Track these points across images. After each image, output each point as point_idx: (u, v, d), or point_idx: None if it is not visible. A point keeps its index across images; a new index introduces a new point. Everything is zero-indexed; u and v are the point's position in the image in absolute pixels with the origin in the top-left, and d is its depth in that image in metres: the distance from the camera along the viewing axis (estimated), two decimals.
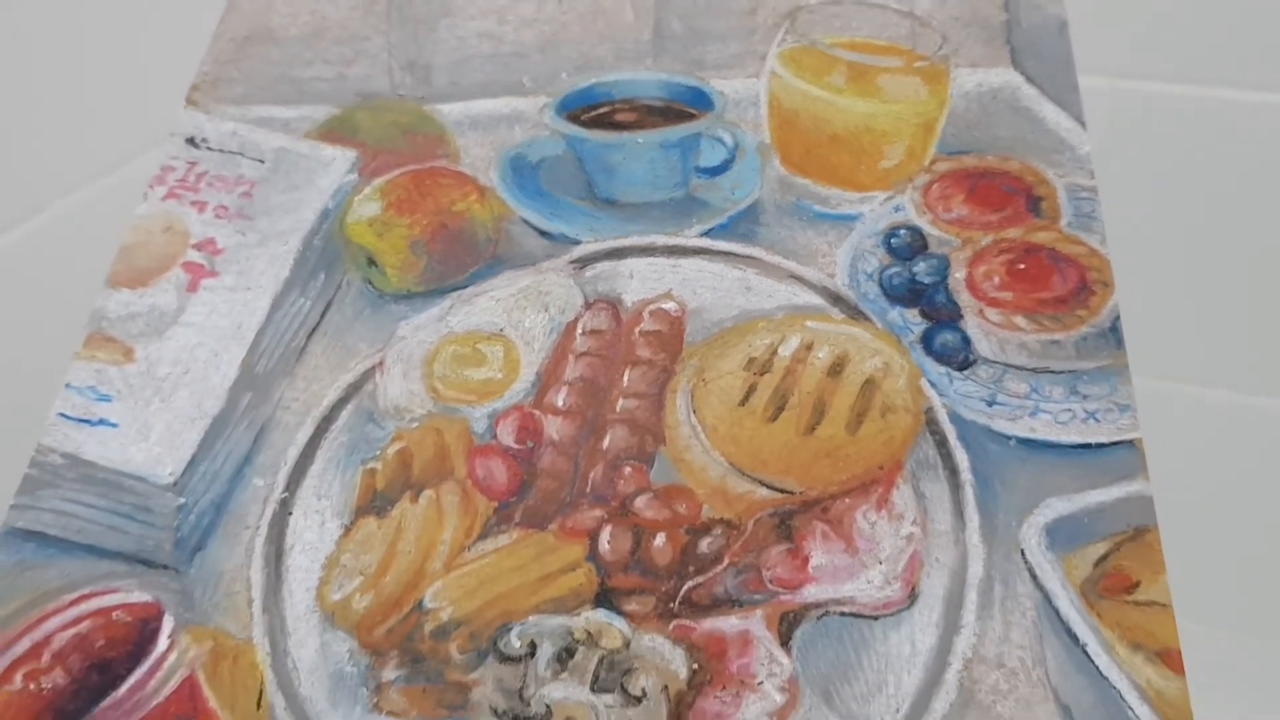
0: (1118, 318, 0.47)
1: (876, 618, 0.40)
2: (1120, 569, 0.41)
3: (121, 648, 0.39)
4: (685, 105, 0.55)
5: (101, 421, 0.44)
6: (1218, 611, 0.82)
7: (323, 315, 0.49)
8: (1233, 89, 0.72)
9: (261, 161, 0.53)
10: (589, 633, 0.40)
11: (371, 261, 0.50)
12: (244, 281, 0.49)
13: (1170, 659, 0.39)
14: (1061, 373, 0.46)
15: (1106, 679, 0.39)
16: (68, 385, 0.45)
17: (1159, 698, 0.38)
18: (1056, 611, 0.40)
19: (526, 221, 0.52)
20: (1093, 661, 0.39)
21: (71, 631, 0.39)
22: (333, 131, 0.55)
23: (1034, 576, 0.41)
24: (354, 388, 0.46)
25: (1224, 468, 0.83)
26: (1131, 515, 0.42)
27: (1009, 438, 0.44)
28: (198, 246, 0.50)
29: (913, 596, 0.41)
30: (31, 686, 0.38)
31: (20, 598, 0.40)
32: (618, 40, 0.58)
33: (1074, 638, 0.39)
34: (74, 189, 0.64)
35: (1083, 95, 0.54)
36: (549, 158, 0.54)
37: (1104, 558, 0.42)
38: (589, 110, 0.55)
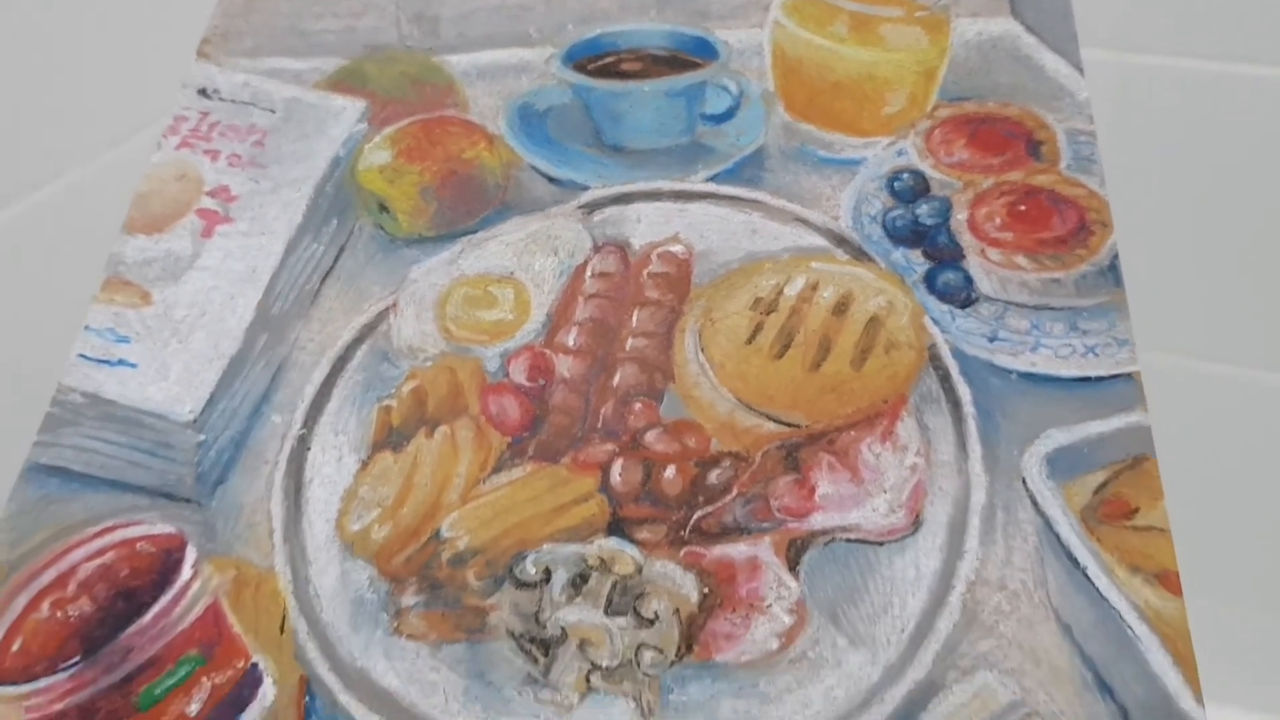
0: (1116, 256, 0.48)
1: (882, 543, 0.41)
2: (1119, 496, 0.42)
3: (146, 577, 0.40)
4: (690, 55, 0.56)
5: (121, 362, 0.45)
6: (1226, 587, 0.82)
7: (336, 259, 0.49)
8: (1238, 63, 0.72)
9: (273, 111, 0.53)
10: (602, 559, 0.40)
11: (383, 207, 0.51)
12: (258, 227, 0.49)
13: (1168, 581, 0.40)
14: (1061, 309, 0.47)
15: (1106, 600, 0.39)
16: (86, 327, 0.46)
17: (1157, 617, 0.39)
18: (1057, 536, 0.41)
19: (535, 168, 0.52)
20: (1093, 583, 0.40)
21: (96, 562, 0.40)
22: (342, 82, 0.55)
23: (1035, 504, 0.42)
24: (368, 328, 0.47)
25: (1231, 443, 0.84)
26: (1130, 445, 0.43)
27: (1010, 372, 0.45)
28: (211, 193, 0.50)
29: (917, 523, 0.42)
30: (59, 614, 0.39)
31: (45, 531, 0.41)
32: None
33: (1074, 561, 0.40)
34: (90, 151, 0.65)
35: (1087, 69, 0.55)
36: (556, 106, 0.55)
37: (1103, 485, 0.42)
38: (595, 60, 0.56)
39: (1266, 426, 0.83)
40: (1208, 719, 0.36)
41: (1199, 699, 0.37)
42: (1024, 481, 0.42)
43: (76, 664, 0.38)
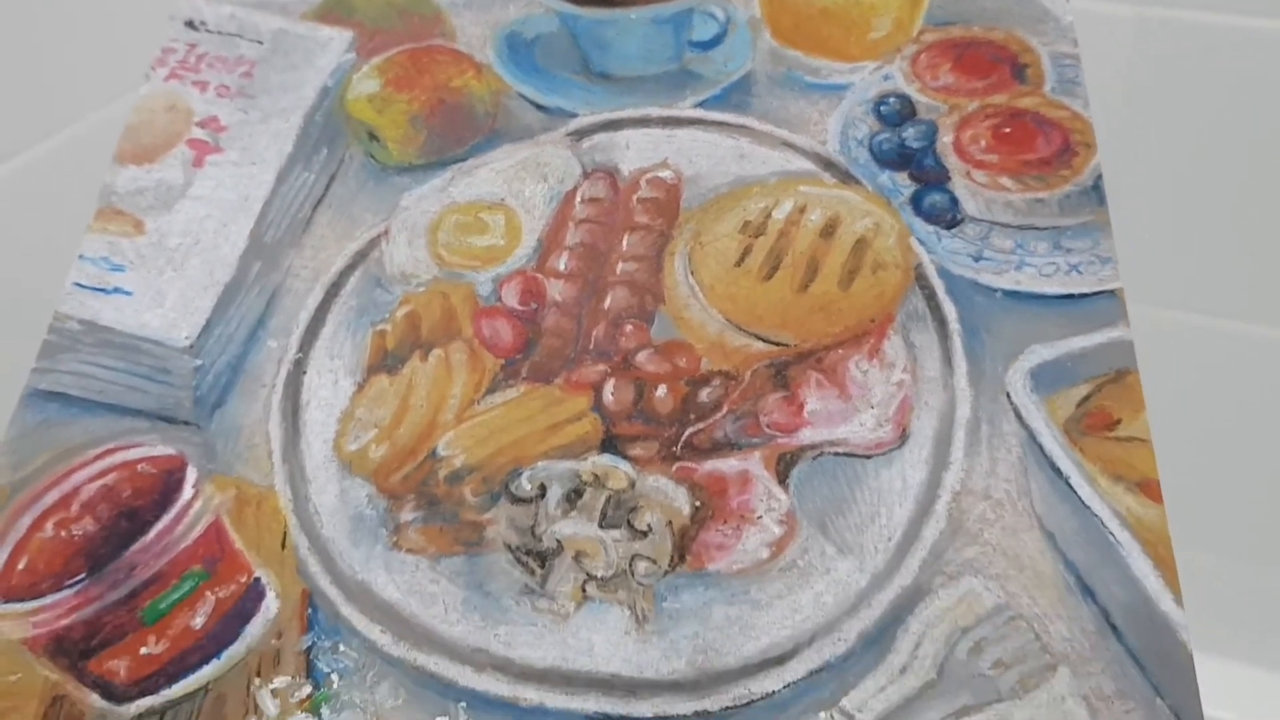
0: (1100, 177, 0.49)
1: (869, 457, 0.42)
2: (1102, 408, 0.43)
3: (148, 497, 0.40)
4: None
5: (116, 290, 0.45)
6: (1217, 539, 0.82)
7: (327, 188, 0.50)
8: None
9: (260, 43, 0.53)
10: (596, 475, 0.41)
11: (373, 136, 0.51)
12: (248, 157, 0.49)
13: (1149, 489, 0.41)
14: (1046, 229, 0.47)
15: (1088, 508, 0.40)
16: (81, 256, 0.46)
17: (1139, 524, 0.40)
18: (1041, 448, 0.42)
19: (523, 96, 0.52)
20: (1075, 492, 0.41)
21: (98, 483, 0.41)
22: (329, 13, 0.55)
23: (1019, 416, 0.43)
24: (360, 255, 0.47)
25: (1221, 396, 0.84)
26: (1112, 359, 0.44)
27: (995, 290, 0.46)
28: (201, 124, 0.50)
29: (903, 437, 0.42)
30: (63, 534, 0.39)
31: (46, 454, 0.42)
32: None
33: (1057, 471, 0.41)
34: (83, 90, 0.64)
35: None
36: (544, 35, 0.55)
37: (1086, 398, 0.43)
38: None
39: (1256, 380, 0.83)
40: (1196, 669, 0.36)
41: (1178, 601, 0.38)
42: (1008, 395, 0.43)
43: (82, 581, 0.38)
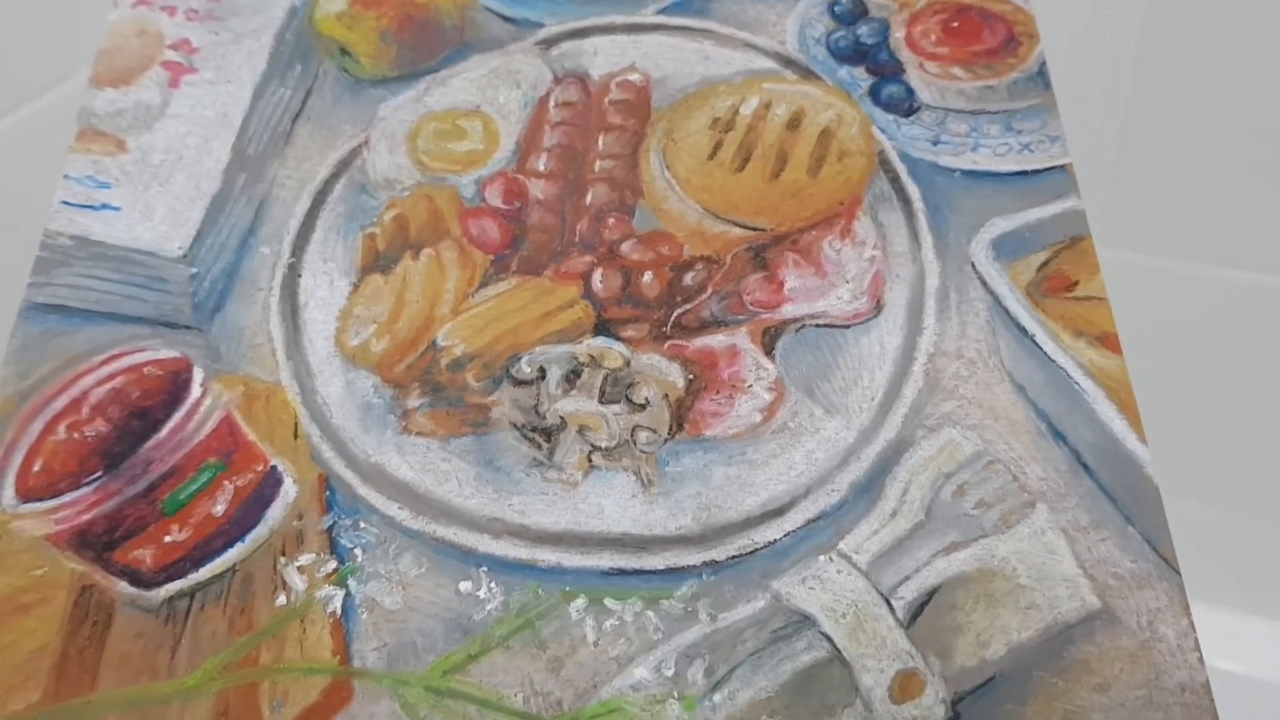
0: (1044, 63, 0.51)
1: (848, 327, 0.44)
2: (1060, 272, 0.45)
3: (157, 397, 0.41)
4: None
5: (104, 206, 0.45)
6: (1200, 488, 0.84)
7: (304, 102, 0.50)
8: None
9: None
10: (592, 356, 0.42)
11: (344, 51, 0.51)
12: (223, 75, 0.49)
13: (1108, 341, 0.43)
14: (997, 113, 0.49)
15: (1054, 361, 0.43)
16: (66, 176, 0.46)
17: (1100, 372, 0.42)
18: (1006, 310, 0.44)
19: (489, 9, 0.53)
20: (1041, 348, 0.43)
21: (106, 387, 0.41)
22: None
23: (984, 283, 0.45)
24: (343, 164, 0.48)
25: (1198, 342, 0.85)
26: (1067, 227, 0.46)
27: (954, 171, 0.48)
28: (173, 46, 0.50)
29: (878, 307, 0.44)
30: (76, 435, 0.40)
31: (52, 362, 0.42)
32: None
33: (1023, 330, 0.43)
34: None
35: None
36: None
37: (1045, 263, 0.45)
38: None
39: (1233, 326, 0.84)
40: (1193, 616, 0.38)
41: (1142, 440, 0.41)
42: (973, 265, 0.45)
43: (99, 478, 0.39)
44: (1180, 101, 0.74)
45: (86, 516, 0.38)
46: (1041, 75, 0.50)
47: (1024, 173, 0.47)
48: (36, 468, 0.39)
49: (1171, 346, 0.81)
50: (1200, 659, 0.37)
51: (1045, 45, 0.51)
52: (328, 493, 0.39)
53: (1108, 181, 0.77)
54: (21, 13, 0.63)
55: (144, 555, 0.37)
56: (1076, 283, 0.45)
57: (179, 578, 0.37)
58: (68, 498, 0.38)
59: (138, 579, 0.37)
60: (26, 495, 0.39)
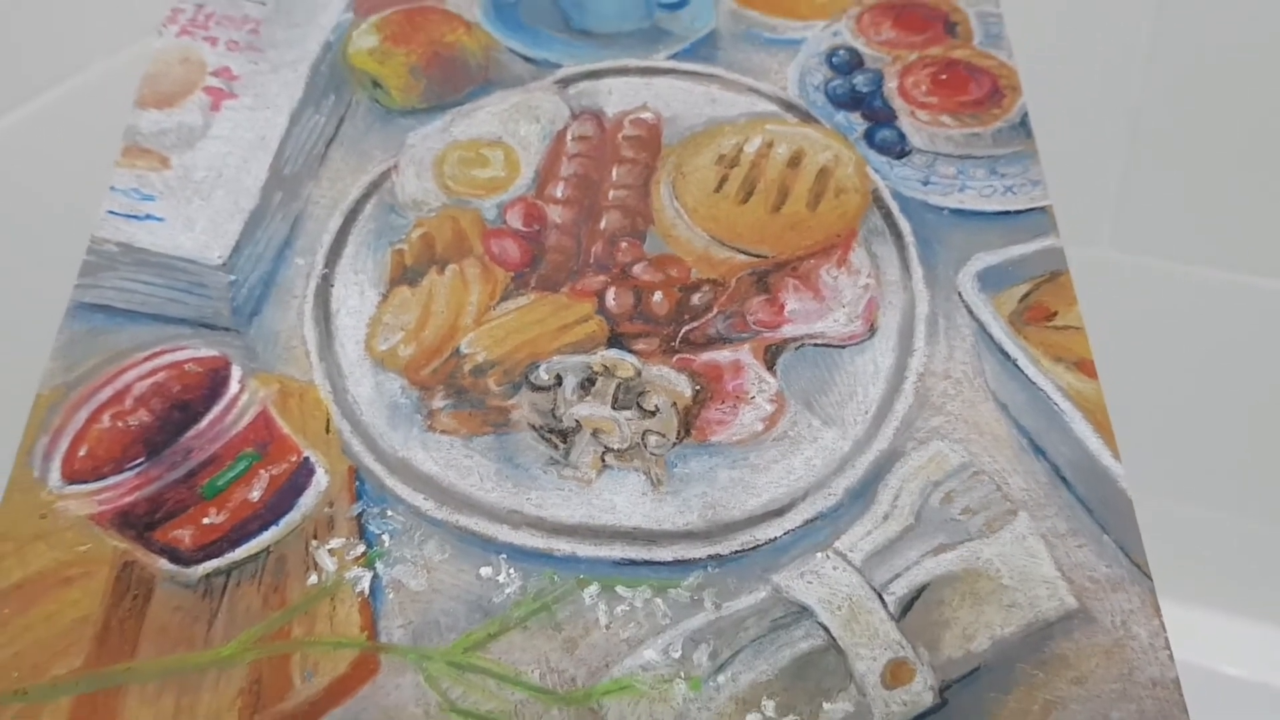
0: (1025, 114, 0.54)
1: (844, 347, 0.47)
2: (1040, 303, 0.48)
3: (197, 392, 0.43)
4: None
5: (148, 217, 0.48)
6: (1167, 483, 0.87)
7: (337, 128, 0.53)
8: None
9: (263, 4, 0.56)
10: (605, 365, 0.45)
11: (376, 84, 0.54)
12: (262, 102, 0.52)
13: (1085, 367, 0.46)
14: (982, 158, 0.53)
15: (1034, 383, 0.45)
16: (112, 188, 0.49)
17: (1078, 395, 0.45)
18: (990, 336, 0.47)
19: (512, 50, 0.56)
20: (1023, 371, 0.46)
21: (149, 381, 0.43)
22: None
23: (970, 311, 0.48)
24: (374, 185, 0.50)
25: (1165, 339, 0.88)
26: (1046, 263, 0.49)
27: (942, 209, 0.51)
28: (215, 74, 0.53)
29: (872, 330, 0.47)
30: (120, 424, 0.42)
31: (97, 356, 0.44)
32: None
33: (1006, 354, 0.46)
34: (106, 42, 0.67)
35: None
36: None
37: (1026, 295, 0.48)
38: None
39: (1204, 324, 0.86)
40: (1161, 611, 0.41)
41: (1116, 457, 0.43)
42: (959, 294, 0.48)
43: (141, 464, 0.41)
44: (1189, 103, 0.76)
45: (129, 499, 0.40)
46: (1024, 125, 0.54)
47: (1007, 212, 0.51)
48: (82, 452, 0.41)
49: (1181, 348, 0.82)
50: (1170, 656, 0.39)
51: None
52: (357, 483, 0.41)
53: (1116, 185, 0.79)
54: None
55: (183, 535, 0.40)
56: (1055, 313, 0.48)
57: (216, 556, 0.39)
58: (111, 481, 0.40)
59: (177, 557, 0.39)
60: (72, 478, 0.41)
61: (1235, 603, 0.92)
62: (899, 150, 0.53)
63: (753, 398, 0.45)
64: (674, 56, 0.56)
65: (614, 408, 0.44)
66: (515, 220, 0.50)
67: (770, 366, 0.46)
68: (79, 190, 0.51)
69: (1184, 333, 0.84)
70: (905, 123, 0.54)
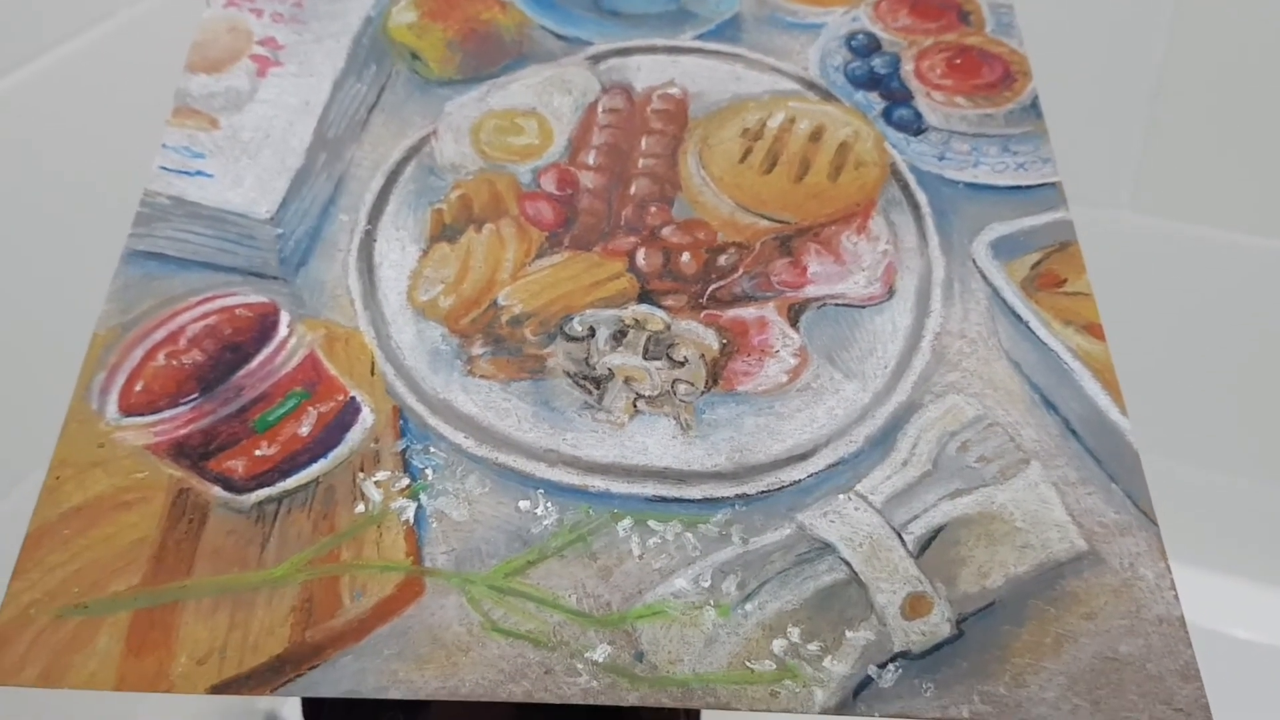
0: (1036, 97, 0.56)
1: (864, 307, 0.48)
2: (1050, 270, 0.50)
3: (247, 334, 0.44)
4: None
5: (199, 173, 0.49)
6: (1172, 444, 0.87)
7: (378, 96, 0.54)
8: None
9: None
10: (636, 319, 0.47)
11: (415, 55, 0.56)
12: (306, 69, 0.54)
13: (1093, 330, 0.48)
14: (995, 136, 0.55)
15: (1045, 344, 0.47)
16: (164, 145, 0.50)
17: (1087, 355, 0.47)
18: (1004, 300, 0.49)
19: (544, 28, 0.58)
20: (1034, 333, 0.48)
21: (202, 323, 0.45)
22: None
23: (984, 277, 0.49)
24: (414, 150, 0.52)
25: (1183, 300, 0.89)
26: (1056, 234, 0.51)
27: (958, 183, 0.53)
28: (261, 43, 0.55)
29: (891, 292, 0.49)
30: (174, 363, 0.43)
31: (151, 299, 0.45)
32: None
33: (1018, 317, 0.48)
34: None
35: None
36: None
37: (1038, 263, 0.50)
38: None
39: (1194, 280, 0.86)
40: (1172, 571, 0.42)
41: (1124, 412, 0.45)
42: (974, 261, 0.50)
43: (195, 399, 0.42)
44: (1211, 68, 0.77)
45: (183, 430, 0.41)
46: (1034, 107, 0.56)
47: (1019, 187, 0.53)
48: (138, 388, 0.43)
49: (1198, 310, 0.83)
50: (1175, 597, 0.41)
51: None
52: (401, 421, 0.43)
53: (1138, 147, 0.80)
54: None
55: (236, 465, 0.41)
56: (1065, 280, 0.50)
57: (267, 486, 0.41)
58: (166, 414, 0.42)
59: (230, 485, 0.41)
60: (128, 410, 0.42)
61: (1239, 564, 0.92)
62: (915, 128, 0.55)
63: (777, 351, 0.46)
64: (700, 37, 0.58)
65: (645, 358, 0.45)
66: (549, 184, 0.51)
67: (794, 323, 0.47)
68: (121, 135, 0.52)
69: (1202, 294, 0.85)
70: (921, 103, 0.56)
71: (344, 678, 0.37)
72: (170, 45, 0.55)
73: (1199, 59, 0.77)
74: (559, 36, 0.58)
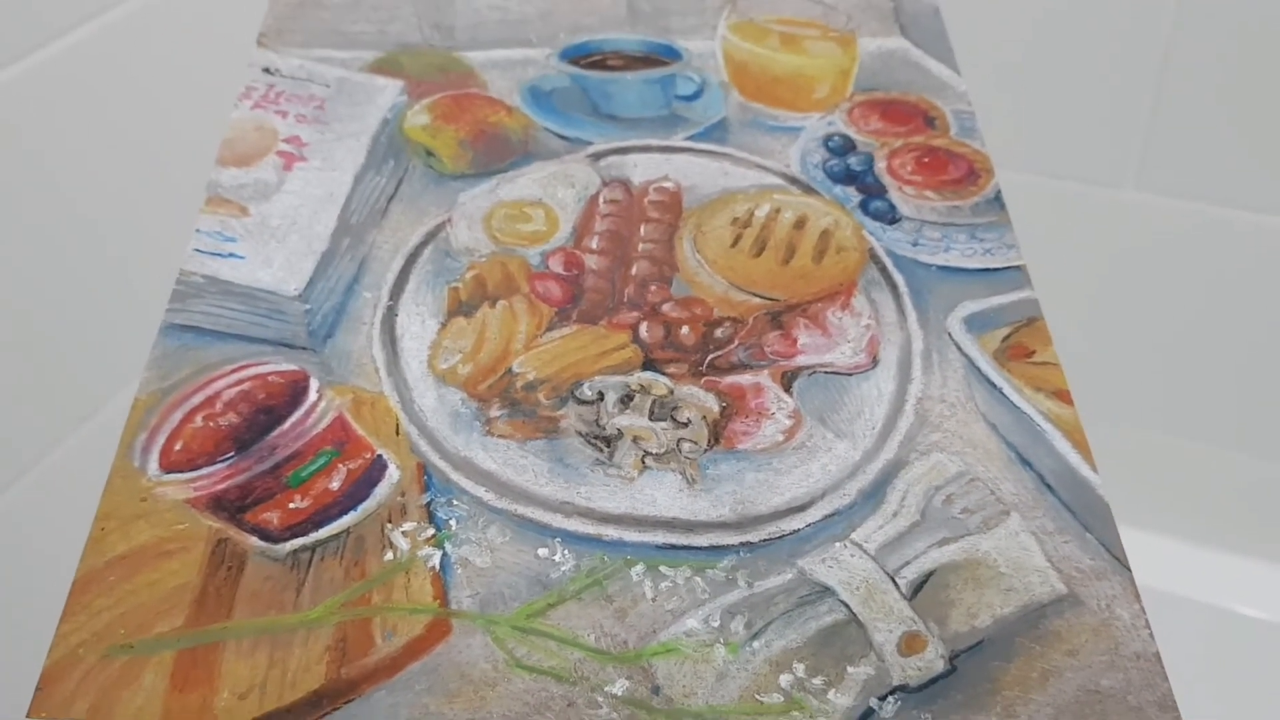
0: (999, 191, 0.61)
1: (851, 374, 0.51)
2: (1020, 343, 0.54)
3: (280, 399, 0.47)
4: (660, 56, 0.67)
5: (231, 255, 0.52)
6: (1118, 408, 0.89)
7: (397, 188, 0.58)
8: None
9: (327, 86, 0.62)
10: (642, 385, 0.49)
11: (429, 153, 0.60)
12: (329, 165, 0.58)
13: (1062, 396, 0.51)
14: (963, 225, 0.59)
15: (1019, 408, 0.50)
16: (198, 230, 0.53)
17: (1058, 418, 0.50)
18: (978, 369, 0.52)
19: (548, 130, 0.62)
20: (1008, 398, 0.51)
21: (237, 388, 0.47)
22: (382, 68, 0.64)
23: (960, 348, 0.53)
24: (431, 234, 0.56)
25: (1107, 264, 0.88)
26: (1024, 310, 0.55)
27: (930, 265, 0.57)
28: (286, 140, 0.59)
29: (875, 362, 0.52)
30: (211, 424, 0.45)
31: (188, 367, 0.48)
32: (600, 14, 0.70)
33: (992, 384, 0.51)
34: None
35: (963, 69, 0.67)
36: (559, 88, 0.65)
37: (1008, 336, 0.54)
38: (585, 59, 0.67)
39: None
40: (1142, 603, 0.45)
41: (1094, 469, 0.48)
42: (949, 334, 0.53)
43: (231, 457, 0.44)
44: (1220, 46, 0.80)
45: (221, 486, 0.43)
46: (998, 200, 0.60)
47: (988, 270, 0.57)
48: (177, 447, 0.45)
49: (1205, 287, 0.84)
50: (1150, 635, 0.43)
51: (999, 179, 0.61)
52: (425, 477, 0.45)
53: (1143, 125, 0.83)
54: None
55: (271, 518, 0.43)
56: (1034, 351, 0.53)
57: (301, 536, 0.43)
58: (204, 471, 0.44)
59: (266, 536, 0.42)
60: (169, 468, 0.44)
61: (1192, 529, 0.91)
62: (890, 218, 0.59)
63: (773, 414, 0.49)
64: (690, 138, 0.63)
65: (651, 419, 0.48)
66: (557, 265, 0.55)
67: (787, 389, 0.50)
68: (162, 235, 0.55)
69: (1208, 272, 0.86)
70: (895, 195, 0.60)
71: (379, 711, 0.38)
72: (201, 138, 0.59)
73: (1205, 37, 0.77)
74: (561, 137, 0.62)
